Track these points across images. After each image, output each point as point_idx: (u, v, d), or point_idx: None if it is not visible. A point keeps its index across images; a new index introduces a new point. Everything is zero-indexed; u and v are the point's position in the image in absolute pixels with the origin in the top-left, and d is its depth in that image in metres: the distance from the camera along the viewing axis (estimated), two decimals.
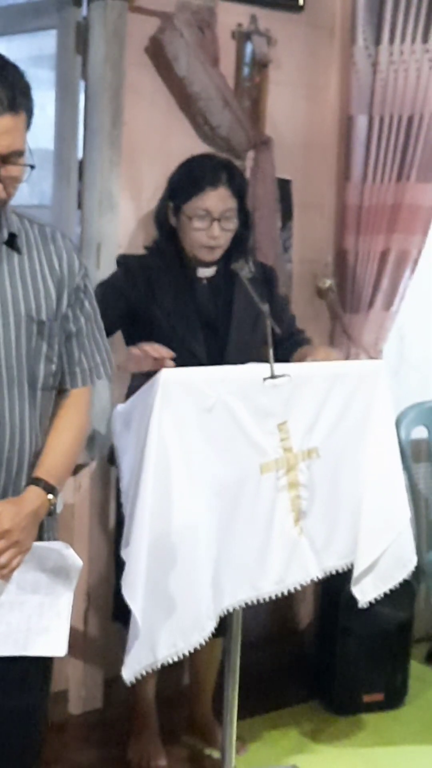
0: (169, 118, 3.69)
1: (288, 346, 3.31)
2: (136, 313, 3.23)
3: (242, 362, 2.94)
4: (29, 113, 2.23)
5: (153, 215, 3.35)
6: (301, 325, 3.97)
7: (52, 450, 2.37)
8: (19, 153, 2.21)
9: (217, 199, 3.19)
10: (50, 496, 2.34)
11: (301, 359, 3.20)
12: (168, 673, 3.78)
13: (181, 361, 3.05)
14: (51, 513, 2.37)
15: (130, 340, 3.27)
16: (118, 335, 3.27)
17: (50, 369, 2.37)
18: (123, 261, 3.36)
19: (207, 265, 3.26)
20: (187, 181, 3.22)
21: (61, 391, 2.44)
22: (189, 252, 3.24)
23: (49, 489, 2.33)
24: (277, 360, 2.92)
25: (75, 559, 2.37)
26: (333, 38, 4.06)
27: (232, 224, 3.23)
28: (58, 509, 2.38)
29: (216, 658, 3.50)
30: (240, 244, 3.29)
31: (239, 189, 3.27)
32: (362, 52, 3.86)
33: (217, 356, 3.17)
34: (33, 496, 2.31)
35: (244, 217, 3.29)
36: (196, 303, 3.25)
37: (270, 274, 3.46)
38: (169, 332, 3.17)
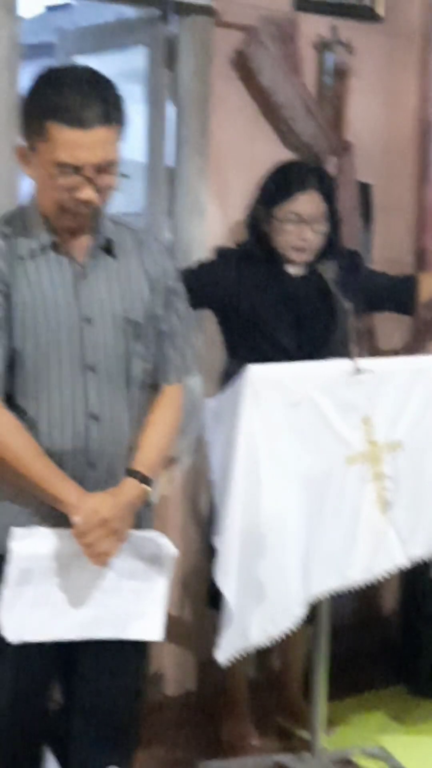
0: (254, 127, 3.69)
1: (407, 285, 3.48)
2: (229, 302, 3.24)
3: (330, 357, 2.93)
4: (122, 125, 2.25)
5: (244, 220, 3.35)
6: (384, 322, 3.97)
7: (147, 444, 2.39)
8: (113, 163, 2.23)
9: (307, 203, 3.18)
10: (146, 487, 2.36)
11: None
12: (259, 656, 3.80)
13: (270, 354, 3.07)
14: (147, 504, 2.39)
15: (225, 329, 3.34)
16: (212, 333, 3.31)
17: (144, 367, 2.39)
18: (220, 251, 3.37)
19: (297, 264, 3.26)
20: (279, 185, 3.22)
21: (154, 388, 2.46)
22: (281, 253, 3.24)
23: (145, 480, 2.35)
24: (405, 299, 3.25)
25: (170, 548, 2.38)
26: (412, 46, 4.01)
27: (323, 227, 3.22)
28: (154, 500, 2.40)
29: (305, 643, 3.49)
30: (330, 246, 3.28)
31: (329, 193, 3.26)
32: None
33: (306, 350, 3.16)
34: (130, 488, 2.33)
35: (334, 220, 3.28)
36: (286, 297, 3.24)
37: (356, 257, 3.47)
38: (259, 324, 3.19)
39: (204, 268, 3.33)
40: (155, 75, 3.57)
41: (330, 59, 3.78)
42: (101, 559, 2.30)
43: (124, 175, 2.26)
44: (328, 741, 3.36)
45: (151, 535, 2.39)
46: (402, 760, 3.37)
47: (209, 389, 3.42)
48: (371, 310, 3.66)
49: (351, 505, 2.85)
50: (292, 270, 3.27)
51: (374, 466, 2.86)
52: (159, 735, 3.50)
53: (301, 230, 3.18)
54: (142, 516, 2.42)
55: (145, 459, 2.37)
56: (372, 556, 2.89)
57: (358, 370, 2.81)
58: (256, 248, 3.28)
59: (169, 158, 3.61)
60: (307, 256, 3.24)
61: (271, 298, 3.24)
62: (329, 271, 3.09)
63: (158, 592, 2.40)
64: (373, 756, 3.41)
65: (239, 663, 3.25)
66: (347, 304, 2.95)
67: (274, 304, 3.23)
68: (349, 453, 2.84)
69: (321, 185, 3.22)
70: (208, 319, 3.44)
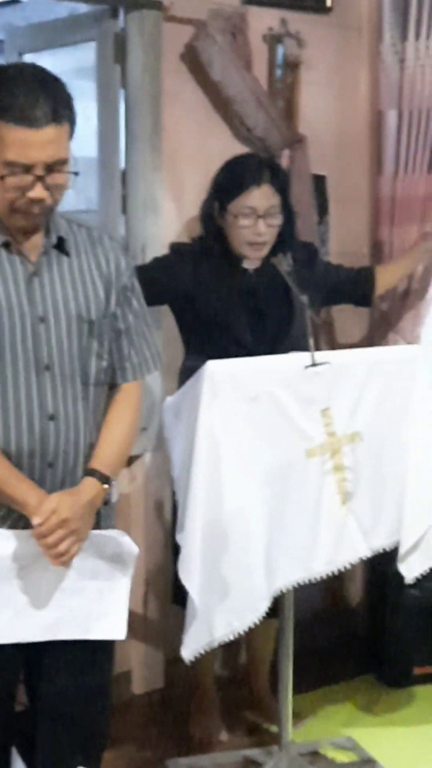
0: (207, 122, 3.70)
1: (364, 277, 3.55)
2: (185, 298, 3.25)
3: (288, 351, 2.95)
4: (72, 123, 2.25)
5: (199, 215, 3.36)
6: (341, 314, 4.00)
7: (106, 442, 2.39)
8: (63, 161, 2.23)
9: (261, 197, 3.19)
10: (105, 486, 2.36)
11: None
12: (226, 652, 3.83)
13: (228, 349, 3.08)
14: (106, 502, 2.40)
15: (182, 325, 3.36)
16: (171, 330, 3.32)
17: (101, 366, 2.39)
18: (175, 247, 3.38)
19: (252, 259, 3.27)
20: (232, 180, 3.23)
21: (112, 386, 2.47)
22: (236, 249, 3.25)
23: (104, 479, 2.36)
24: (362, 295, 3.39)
25: (131, 546, 2.39)
26: (361, 37, 4.04)
27: (277, 220, 3.24)
28: (113, 498, 2.42)
29: (271, 636, 3.51)
30: (284, 239, 3.30)
31: (282, 186, 3.27)
32: (389, 50, 3.84)
33: (265, 344, 3.18)
34: (89, 487, 2.34)
35: (288, 213, 3.30)
36: (242, 292, 3.26)
37: (311, 250, 3.50)
38: (216, 320, 3.21)
39: (159, 264, 3.34)
40: (105, 71, 3.57)
41: (280, 52, 3.79)
42: (62, 559, 2.31)
43: (74, 173, 2.26)
44: (297, 734, 3.39)
45: (112, 533, 2.40)
46: (371, 751, 3.41)
47: (168, 386, 3.43)
48: (328, 303, 3.69)
49: (312, 497, 2.86)
50: (248, 264, 3.28)
51: (334, 457, 2.88)
52: (127, 734, 3.51)
53: (255, 224, 3.19)
54: (103, 515, 2.43)
55: (104, 458, 2.38)
56: (334, 548, 2.90)
57: (315, 363, 2.82)
58: (211, 243, 3.29)
59: (122, 155, 3.61)
60: (262, 252, 3.25)
61: (228, 293, 3.25)
62: (284, 264, 3.10)
63: (121, 591, 2.41)
64: (341, 747, 3.44)
65: (206, 659, 3.28)
66: (303, 297, 2.96)
67: (230, 299, 3.25)
68: (309, 446, 2.85)
69: (274, 179, 3.24)
70: (166, 316, 3.45)
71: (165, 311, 3.43)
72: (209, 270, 3.26)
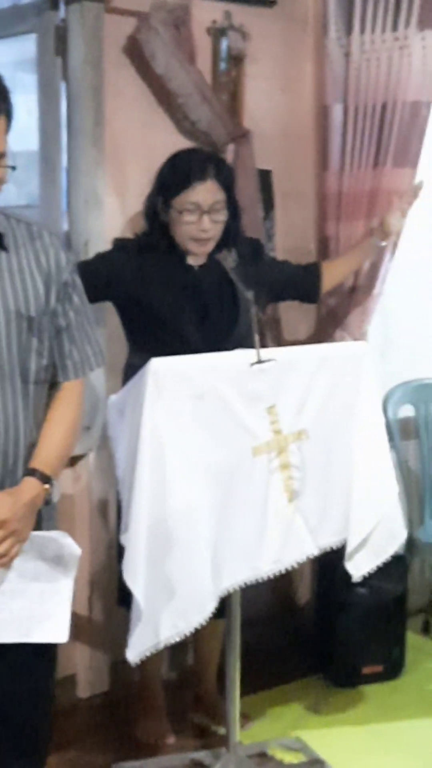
0: (150, 116, 3.68)
1: (310, 274, 3.55)
2: (128, 294, 3.23)
3: (234, 348, 2.94)
4: (8, 116, 2.23)
5: (143, 211, 3.34)
6: (288, 310, 4.00)
7: (47, 441, 2.37)
8: (1, 155, 2.20)
9: (205, 192, 3.18)
10: (46, 486, 2.34)
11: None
12: (173, 654, 3.82)
13: (173, 346, 3.06)
14: (48, 502, 2.37)
15: (126, 322, 3.34)
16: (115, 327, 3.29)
17: (41, 363, 2.37)
18: (118, 242, 3.36)
19: (197, 255, 3.26)
20: (176, 175, 3.21)
21: (53, 385, 2.44)
22: (180, 245, 3.23)
23: (45, 479, 2.33)
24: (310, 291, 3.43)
25: (73, 548, 2.37)
26: (306, 30, 4.05)
27: (222, 216, 3.23)
28: (55, 498, 2.39)
29: (219, 637, 3.50)
30: (230, 235, 3.29)
31: (227, 181, 3.26)
32: (335, 43, 3.85)
33: (210, 342, 3.16)
34: (29, 487, 2.31)
35: (233, 208, 3.29)
36: (187, 289, 3.25)
37: (257, 246, 3.49)
38: (160, 317, 3.19)
39: (102, 259, 3.31)
40: (46, 63, 3.54)
41: (225, 45, 3.79)
42: (2, 561, 2.28)
43: (12, 167, 2.23)
44: (244, 735, 3.38)
45: (54, 535, 2.37)
46: (318, 751, 3.41)
47: (112, 384, 3.41)
48: (274, 300, 3.68)
49: (258, 496, 2.86)
50: (192, 260, 3.27)
51: (280, 455, 2.88)
52: (72, 739, 3.49)
53: (200, 220, 3.18)
54: (44, 515, 2.40)
55: (45, 457, 2.35)
56: (281, 547, 2.90)
57: (261, 360, 2.81)
58: (155, 239, 3.27)
59: (64, 149, 3.58)
60: (207, 247, 3.24)
61: (172, 289, 3.24)
62: (229, 260, 3.10)
63: (63, 593, 2.38)
64: (289, 748, 3.44)
65: (152, 661, 3.26)
66: (249, 294, 2.95)
67: (175, 296, 3.23)
68: (255, 443, 2.84)
69: (219, 174, 3.23)
70: (109, 313, 3.43)
71: (108, 308, 3.41)
72: (153, 266, 3.25)
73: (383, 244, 3.69)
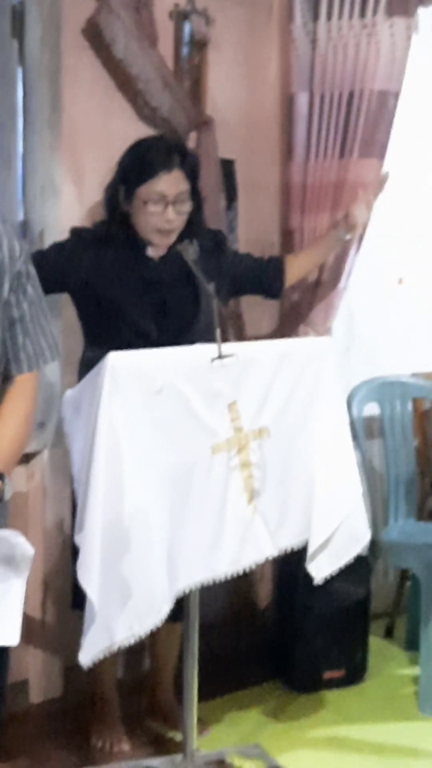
0: (109, 101, 3.68)
1: (273, 267, 3.56)
2: (86, 285, 3.23)
3: (194, 342, 2.95)
4: None
5: (102, 200, 3.33)
6: (250, 304, 4.00)
7: None
8: None
9: (171, 182, 3.18)
10: None
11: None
12: (129, 658, 3.82)
13: (131, 340, 3.07)
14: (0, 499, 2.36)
15: (83, 314, 3.34)
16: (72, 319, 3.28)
17: None
18: (76, 231, 3.35)
19: (159, 246, 3.26)
20: (140, 164, 3.21)
21: (6, 378, 2.44)
22: (142, 235, 3.24)
23: None
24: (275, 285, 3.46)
25: (26, 547, 2.36)
26: (271, 16, 4.05)
27: (187, 207, 3.23)
28: (6, 496, 2.38)
29: (176, 642, 3.51)
30: (192, 226, 3.29)
31: (192, 171, 3.27)
32: (300, 29, 3.87)
33: (169, 336, 3.17)
34: None
35: (197, 198, 3.29)
36: (146, 281, 3.25)
37: (219, 237, 3.49)
38: (119, 309, 3.20)
39: (59, 249, 3.30)
40: (1, 46, 3.53)
41: (187, 29, 3.79)
42: None
43: None
44: (202, 742, 3.39)
45: (5, 534, 2.36)
46: (278, 758, 3.42)
47: (69, 379, 3.40)
48: (236, 294, 3.69)
49: (217, 495, 2.86)
50: (152, 252, 3.27)
51: (240, 454, 2.89)
52: (23, 746, 3.48)
53: (164, 211, 3.18)
54: None
55: None
56: (239, 547, 2.91)
57: (222, 356, 2.82)
58: (114, 229, 3.27)
59: (19, 135, 3.57)
60: (169, 239, 3.24)
61: (131, 281, 3.24)
62: (190, 251, 3.10)
63: (14, 594, 2.37)
64: (248, 755, 3.45)
65: (107, 665, 3.27)
66: (210, 287, 2.96)
67: (133, 288, 3.23)
68: (215, 441, 2.85)
69: (184, 163, 3.23)
70: (66, 304, 3.42)
71: (64, 299, 3.40)
72: (112, 257, 3.25)
73: (348, 237, 3.71)
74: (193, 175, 3.27)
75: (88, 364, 2.97)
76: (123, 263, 3.24)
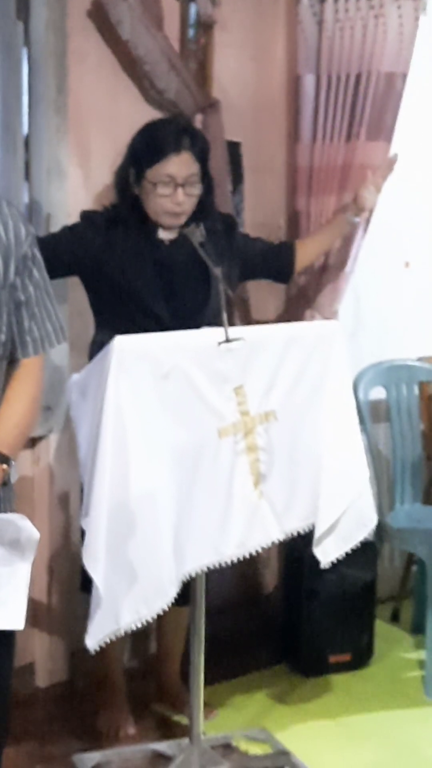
0: (115, 83, 3.66)
1: (284, 252, 3.57)
2: (97, 268, 3.22)
3: (206, 325, 2.94)
4: None
5: (113, 182, 3.32)
6: (256, 288, 3.99)
7: (5, 420, 2.36)
8: None
9: (180, 165, 3.17)
10: (4, 466, 2.33)
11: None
12: (136, 642, 3.82)
13: (142, 323, 3.06)
14: (5, 483, 2.36)
15: (93, 298, 3.33)
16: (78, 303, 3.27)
17: (0, 340, 2.35)
18: (87, 215, 3.34)
19: (170, 228, 3.25)
20: (150, 146, 3.20)
21: (12, 361, 2.43)
22: (153, 218, 3.23)
23: (2, 459, 2.33)
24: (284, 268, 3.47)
25: (32, 531, 2.36)
26: None
27: (197, 189, 3.23)
28: (13, 479, 2.38)
29: (183, 626, 3.51)
30: (204, 209, 3.28)
31: (202, 153, 3.26)
32: (307, 11, 3.85)
33: (180, 319, 3.16)
34: None
35: (208, 181, 3.28)
36: (158, 264, 3.24)
37: (230, 221, 3.49)
38: (130, 292, 3.19)
39: (70, 232, 3.30)
40: (7, 28, 3.51)
41: (193, 11, 3.77)
42: None
43: None
44: (208, 726, 3.40)
45: (11, 517, 2.36)
46: (284, 741, 3.42)
47: (76, 362, 3.40)
48: (247, 278, 3.68)
49: (224, 478, 2.86)
50: (164, 235, 3.26)
51: (247, 437, 2.88)
52: (30, 729, 3.49)
53: (174, 193, 3.18)
54: (2, 497, 2.40)
55: (3, 436, 2.35)
56: (246, 531, 2.90)
57: (229, 339, 2.81)
58: (125, 212, 3.26)
59: (25, 117, 3.55)
60: (179, 220, 3.23)
61: (142, 264, 3.23)
62: (197, 234, 3.09)
63: (20, 578, 2.37)
64: (254, 739, 3.46)
65: (113, 649, 3.27)
66: (216, 270, 2.95)
67: (144, 271, 3.23)
68: (222, 425, 2.85)
69: (194, 145, 3.22)
70: (72, 288, 3.42)
71: (71, 283, 3.39)
72: (122, 240, 3.24)
73: (357, 219, 3.70)
74: (203, 158, 3.26)
75: (98, 347, 2.95)
76: (134, 246, 3.24)
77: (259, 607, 4.30)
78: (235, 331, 2.84)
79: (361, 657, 4.01)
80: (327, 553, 3.07)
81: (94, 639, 2.71)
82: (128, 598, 2.72)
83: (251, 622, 4.20)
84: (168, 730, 3.55)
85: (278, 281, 3.72)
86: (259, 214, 4.06)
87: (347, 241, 3.93)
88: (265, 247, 3.58)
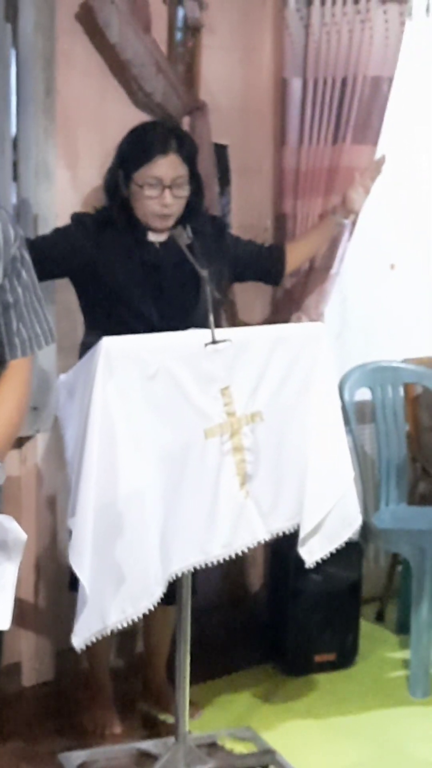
0: (103, 86, 3.67)
1: (275, 255, 3.58)
2: (87, 270, 3.23)
3: (196, 326, 2.95)
4: None
5: (103, 185, 3.33)
6: (243, 289, 4.00)
7: None
8: None
9: (167, 166, 3.19)
10: None
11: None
12: (122, 641, 3.83)
13: (131, 325, 3.07)
14: None
15: (83, 299, 3.34)
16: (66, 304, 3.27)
17: None
18: (77, 217, 3.35)
19: (159, 230, 3.26)
20: (137, 149, 3.22)
21: (0, 363, 2.43)
22: (142, 220, 3.24)
23: None
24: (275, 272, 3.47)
25: (19, 533, 2.36)
26: (265, 1, 4.03)
27: (184, 191, 3.24)
28: (0, 481, 2.38)
29: (169, 625, 3.51)
30: (192, 211, 3.29)
31: (190, 155, 3.27)
32: (294, 15, 3.86)
33: (169, 320, 3.17)
34: None
35: (196, 183, 3.29)
36: (146, 265, 3.25)
37: (219, 224, 3.51)
38: (119, 294, 3.20)
39: (60, 234, 3.30)
40: None
41: (181, 14, 3.78)
42: None
43: None
44: (194, 725, 3.40)
45: None
46: (269, 740, 3.43)
47: (63, 363, 3.40)
48: (237, 279, 3.68)
49: (210, 478, 2.87)
50: (153, 237, 3.27)
51: (233, 438, 2.89)
52: (16, 728, 3.49)
53: (161, 195, 3.19)
54: None
55: None
56: (232, 531, 2.91)
57: (216, 341, 2.82)
58: (115, 214, 3.27)
59: (13, 119, 3.56)
60: (168, 222, 3.24)
61: (132, 266, 3.24)
62: (183, 236, 3.10)
63: (6, 579, 2.37)
64: (239, 737, 3.47)
65: (99, 648, 3.28)
66: (204, 272, 2.96)
67: (135, 273, 3.24)
68: (208, 425, 2.86)
69: (181, 148, 3.24)
70: (60, 289, 3.42)
71: (59, 285, 3.40)
72: (113, 242, 3.25)
73: (346, 221, 3.71)
74: (190, 160, 3.27)
75: (88, 348, 2.96)
76: (124, 248, 3.25)
77: (244, 607, 4.31)
78: (221, 332, 2.86)
79: (346, 657, 4.02)
80: (312, 552, 3.09)
81: (80, 638, 2.72)
82: (115, 598, 2.73)
83: (237, 622, 4.21)
84: (154, 728, 3.56)
85: (268, 283, 3.74)
86: (246, 217, 4.06)
87: (334, 243, 3.93)
88: (256, 249, 3.59)
